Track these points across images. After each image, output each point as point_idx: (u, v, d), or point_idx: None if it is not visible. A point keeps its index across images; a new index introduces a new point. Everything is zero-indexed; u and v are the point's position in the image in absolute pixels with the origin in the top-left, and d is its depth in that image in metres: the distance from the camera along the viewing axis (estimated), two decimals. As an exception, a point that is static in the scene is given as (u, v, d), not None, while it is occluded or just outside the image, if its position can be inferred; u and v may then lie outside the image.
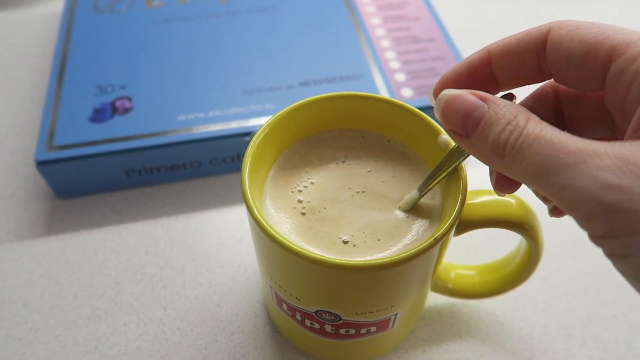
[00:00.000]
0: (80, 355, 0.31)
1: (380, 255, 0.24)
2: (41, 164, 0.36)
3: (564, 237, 0.37)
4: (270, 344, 0.32)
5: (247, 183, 0.24)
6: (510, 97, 0.23)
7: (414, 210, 0.26)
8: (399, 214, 0.26)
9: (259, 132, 0.26)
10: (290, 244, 0.22)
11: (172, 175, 0.39)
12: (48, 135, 0.37)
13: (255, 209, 0.23)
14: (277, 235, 0.22)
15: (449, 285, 0.31)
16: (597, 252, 0.36)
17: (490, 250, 0.36)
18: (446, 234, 0.22)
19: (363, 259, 0.24)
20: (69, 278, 0.35)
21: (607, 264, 0.36)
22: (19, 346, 0.32)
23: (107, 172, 0.38)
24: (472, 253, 0.36)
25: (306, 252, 0.21)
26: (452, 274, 0.31)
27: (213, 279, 0.35)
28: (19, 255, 0.36)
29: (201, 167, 0.39)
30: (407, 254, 0.21)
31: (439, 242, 0.22)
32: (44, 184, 0.40)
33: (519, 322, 0.33)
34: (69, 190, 0.38)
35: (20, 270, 0.35)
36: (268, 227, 0.22)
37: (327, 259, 0.21)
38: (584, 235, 0.37)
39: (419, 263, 0.23)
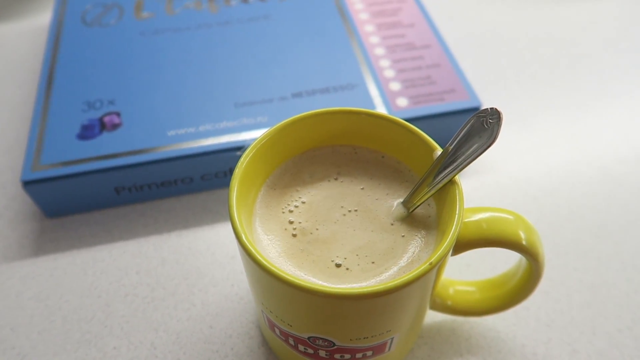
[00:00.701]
0: (70, 382, 0.31)
1: (375, 280, 0.23)
2: (28, 184, 0.35)
3: (566, 247, 0.36)
4: (265, 367, 0.31)
5: (234, 207, 0.23)
6: (496, 112, 0.22)
7: (410, 227, 0.25)
8: (394, 234, 0.25)
9: (247, 152, 0.25)
10: (279, 272, 0.21)
11: (163, 192, 0.39)
12: (35, 153, 0.36)
13: (242, 234, 0.22)
14: (266, 263, 0.21)
15: (448, 303, 0.30)
16: (601, 263, 0.35)
17: (491, 262, 0.35)
18: (442, 257, 0.21)
19: (356, 284, 0.23)
20: (58, 301, 0.34)
21: (611, 275, 0.35)
22: (6, 373, 0.31)
23: (96, 190, 0.37)
24: (472, 267, 0.35)
25: (295, 281, 0.20)
26: (451, 291, 0.31)
27: (206, 298, 0.34)
28: (7, 277, 0.35)
29: (193, 183, 0.38)
30: (401, 280, 0.20)
31: (435, 267, 0.21)
32: (32, 203, 0.39)
33: (522, 338, 0.32)
34: (58, 210, 0.38)
35: (9, 293, 0.34)
36: (256, 254, 0.21)
37: (317, 287, 0.20)
38: (587, 245, 0.36)
39: (415, 288, 0.22)
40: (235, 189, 0.23)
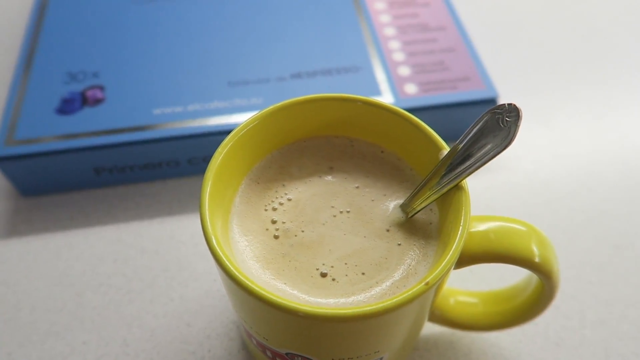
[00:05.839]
0: (33, 378, 0.28)
1: (364, 295, 0.20)
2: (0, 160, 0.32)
3: (581, 258, 0.33)
4: (243, 372, 0.29)
5: (206, 204, 0.20)
6: (515, 109, 0.19)
7: (407, 235, 0.22)
8: (389, 241, 0.22)
9: (227, 140, 0.22)
10: (252, 285, 0.18)
11: (147, 175, 0.36)
12: (9, 127, 0.33)
13: (213, 237, 0.19)
14: (237, 273, 0.18)
15: (448, 315, 0.27)
16: (619, 278, 0.32)
17: (498, 270, 0.32)
18: (442, 276, 0.18)
19: (343, 298, 0.20)
20: (27, 287, 0.32)
21: (630, 291, 0.32)
22: (-34, 364, 0.29)
23: (74, 170, 0.34)
24: (476, 273, 0.32)
25: (270, 297, 0.18)
26: (451, 301, 0.28)
27: (185, 293, 0.31)
28: (-24, 259, 0.33)
29: (179, 167, 0.36)
30: (392, 302, 0.17)
31: (433, 287, 0.18)
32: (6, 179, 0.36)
33: (527, 356, 0.29)
34: (34, 188, 0.35)
35: (-24, 277, 0.32)
36: (226, 261, 0.18)
37: (294, 306, 0.17)
38: (604, 257, 0.33)
39: (409, 310, 0.19)
40: (210, 183, 0.21)
